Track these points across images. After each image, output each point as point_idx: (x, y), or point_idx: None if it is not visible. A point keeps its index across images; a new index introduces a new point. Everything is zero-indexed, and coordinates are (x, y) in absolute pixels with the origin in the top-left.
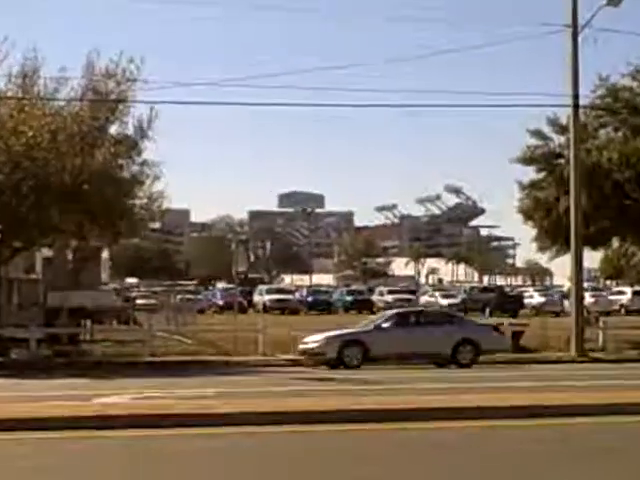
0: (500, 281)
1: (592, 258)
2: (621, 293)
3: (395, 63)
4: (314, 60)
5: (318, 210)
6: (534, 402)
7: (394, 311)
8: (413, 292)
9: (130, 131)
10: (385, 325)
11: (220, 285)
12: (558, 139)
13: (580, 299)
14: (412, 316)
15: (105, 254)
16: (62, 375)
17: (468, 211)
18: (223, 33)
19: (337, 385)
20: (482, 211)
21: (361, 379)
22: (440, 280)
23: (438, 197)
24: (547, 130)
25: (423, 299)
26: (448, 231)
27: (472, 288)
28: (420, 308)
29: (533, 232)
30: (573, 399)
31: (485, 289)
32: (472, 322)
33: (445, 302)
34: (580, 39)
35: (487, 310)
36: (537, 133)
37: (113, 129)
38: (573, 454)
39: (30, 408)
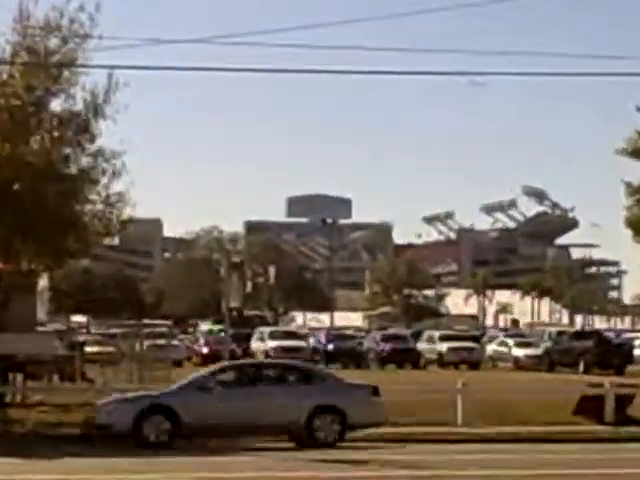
0: (600, 324)
1: None
2: None
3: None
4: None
5: (343, 221)
6: None
7: (223, 364)
8: (476, 338)
9: (80, 107)
10: (208, 384)
11: (204, 326)
12: None
13: None
14: (249, 371)
15: (43, 282)
16: None
17: (555, 223)
18: None
19: None
20: (575, 224)
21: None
22: (515, 321)
23: (513, 204)
24: None
25: (490, 348)
26: (526, 251)
27: (560, 333)
28: (262, 360)
29: None
30: None
31: (579, 335)
32: (340, 381)
33: (521, 353)
34: None
35: (581, 364)
36: None
37: (56, 104)
38: None
39: None
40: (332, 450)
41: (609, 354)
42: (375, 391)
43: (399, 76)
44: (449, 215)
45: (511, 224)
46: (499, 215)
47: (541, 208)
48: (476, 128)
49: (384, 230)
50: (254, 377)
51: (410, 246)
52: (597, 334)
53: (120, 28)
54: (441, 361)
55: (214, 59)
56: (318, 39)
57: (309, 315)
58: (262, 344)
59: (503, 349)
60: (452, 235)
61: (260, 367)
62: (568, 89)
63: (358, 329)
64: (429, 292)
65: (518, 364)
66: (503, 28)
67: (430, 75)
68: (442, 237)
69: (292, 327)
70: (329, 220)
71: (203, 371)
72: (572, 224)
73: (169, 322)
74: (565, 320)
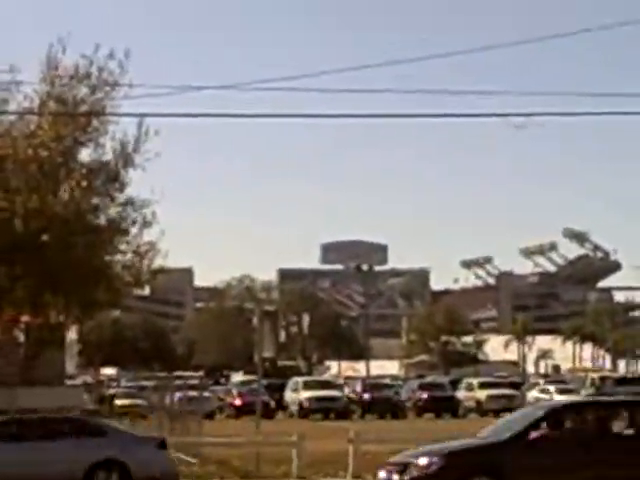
0: None
1: None
2: None
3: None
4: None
5: (379, 268)
6: None
7: None
8: (517, 385)
9: (109, 157)
10: None
11: (237, 377)
12: None
13: None
14: (18, 426)
15: (72, 334)
16: None
17: (597, 266)
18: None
19: None
20: (617, 266)
21: None
22: (556, 368)
23: (553, 247)
24: None
25: (531, 395)
26: (568, 296)
27: (603, 379)
28: (33, 415)
29: None
30: None
31: (623, 380)
32: (123, 434)
33: (563, 399)
34: None
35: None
36: None
37: (85, 154)
38: None
39: None
40: None
41: None
42: (162, 444)
43: (433, 119)
44: (487, 259)
45: (551, 268)
46: (539, 259)
47: (582, 251)
48: (515, 169)
49: (421, 276)
50: (25, 432)
51: (448, 292)
52: None
53: (150, 76)
54: (480, 409)
55: (243, 105)
56: (347, 82)
57: (344, 364)
58: (296, 395)
59: (544, 396)
60: (491, 280)
61: (31, 422)
62: (611, 127)
63: (395, 378)
64: (468, 339)
65: None
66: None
67: (466, 117)
68: (480, 282)
69: (327, 376)
70: (364, 267)
71: None
72: (614, 267)
73: (201, 373)
74: (608, 365)
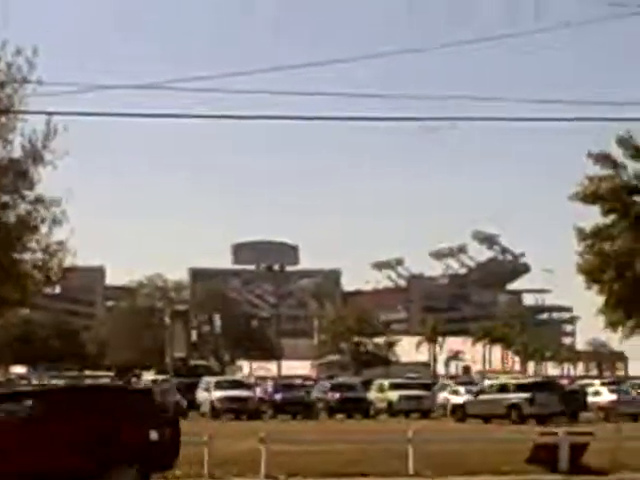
0: (553, 370)
1: None
2: None
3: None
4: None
5: (290, 268)
6: None
7: None
8: (428, 386)
9: (18, 154)
10: None
11: (148, 377)
12: (634, 167)
13: None
14: None
15: None
16: None
17: (506, 269)
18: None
19: None
20: (526, 269)
21: None
22: (466, 369)
23: (462, 249)
24: (618, 154)
25: (442, 396)
26: (477, 298)
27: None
28: None
29: (600, 300)
30: None
31: (534, 385)
32: None
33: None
34: None
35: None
36: (604, 158)
37: None
38: None
39: None
40: None
41: (563, 402)
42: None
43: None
44: (399, 261)
45: (461, 270)
46: (449, 261)
47: (491, 253)
48: (424, 172)
49: (332, 277)
50: None
51: (359, 293)
52: (550, 382)
53: (59, 73)
54: (391, 410)
55: (155, 105)
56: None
57: (256, 364)
58: (208, 394)
59: (455, 397)
60: (402, 282)
61: None
62: (519, 133)
63: (306, 378)
64: (379, 340)
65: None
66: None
67: (384, 121)
68: (392, 284)
69: (239, 376)
70: (276, 267)
71: None
72: (523, 269)
73: (111, 373)
74: (518, 367)
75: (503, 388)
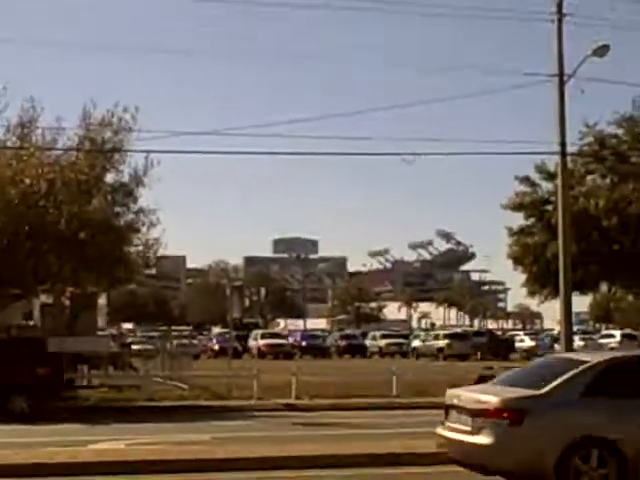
0: (491, 325)
1: (581, 302)
2: (610, 336)
3: (392, 110)
4: (308, 110)
5: (312, 256)
6: None
7: None
8: (406, 336)
9: (126, 179)
10: None
11: (215, 330)
12: (546, 186)
13: (569, 343)
14: None
15: (102, 300)
16: (58, 421)
17: (459, 256)
18: (214, 87)
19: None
20: (473, 256)
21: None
22: (432, 324)
23: (430, 243)
24: (535, 177)
25: (415, 343)
26: (440, 276)
27: (465, 332)
28: None
29: (523, 277)
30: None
31: (476, 333)
32: None
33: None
34: (566, 88)
35: (478, 353)
36: (526, 180)
37: (109, 177)
38: None
39: (27, 455)
40: None
41: (497, 346)
42: None
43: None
44: (386, 250)
45: (429, 257)
46: (420, 251)
47: (449, 245)
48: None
49: (340, 262)
50: None
51: (359, 273)
52: (489, 332)
53: (158, 121)
54: (381, 352)
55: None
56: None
57: (289, 321)
58: (256, 342)
59: (421, 343)
60: (388, 265)
61: None
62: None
63: (323, 330)
64: (373, 305)
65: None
66: None
67: (364, 156)
68: (381, 266)
69: (277, 330)
70: (302, 255)
71: None
72: (471, 256)
73: (190, 328)
74: (467, 322)
75: (436, 337)
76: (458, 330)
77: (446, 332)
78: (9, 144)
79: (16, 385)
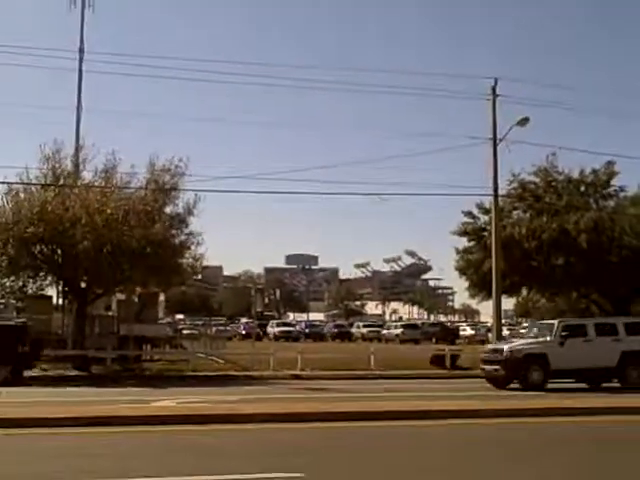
0: (442, 318)
1: (508, 302)
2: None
3: (369, 164)
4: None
5: (314, 267)
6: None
7: None
8: (381, 326)
9: (180, 210)
10: None
11: (243, 320)
12: (483, 218)
13: (499, 331)
14: None
15: (162, 297)
16: (129, 385)
17: (421, 268)
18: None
19: (324, 393)
20: (430, 268)
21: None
22: (400, 318)
23: (399, 258)
24: (476, 212)
25: (386, 331)
26: (406, 283)
27: (423, 324)
28: None
29: (466, 284)
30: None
31: (432, 324)
32: None
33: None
34: (498, 149)
35: (434, 339)
36: (469, 213)
37: (168, 209)
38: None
39: (107, 410)
40: None
41: (447, 334)
42: None
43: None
44: (367, 263)
45: (398, 268)
46: (392, 264)
47: (414, 260)
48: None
49: (334, 272)
50: None
51: (347, 280)
52: (441, 324)
53: (200, 168)
54: (363, 337)
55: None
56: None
57: (296, 314)
58: (272, 329)
59: (391, 331)
60: (369, 274)
61: None
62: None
63: (321, 321)
64: (357, 303)
65: (401, 340)
66: None
67: (340, 195)
68: (364, 275)
69: (287, 320)
70: (307, 267)
71: None
72: (429, 268)
73: (225, 318)
74: (425, 317)
75: (395, 327)
76: (411, 322)
77: (401, 323)
78: (96, 184)
79: (2, 359)
